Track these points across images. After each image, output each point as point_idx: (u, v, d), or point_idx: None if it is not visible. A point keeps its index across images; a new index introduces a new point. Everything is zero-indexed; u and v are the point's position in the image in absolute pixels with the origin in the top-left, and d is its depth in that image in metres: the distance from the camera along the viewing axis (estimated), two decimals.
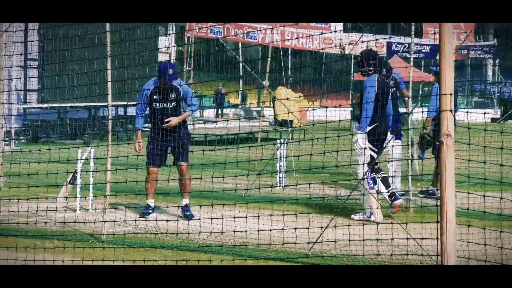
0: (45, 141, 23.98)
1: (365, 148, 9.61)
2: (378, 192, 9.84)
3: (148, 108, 10.19)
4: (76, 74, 18.98)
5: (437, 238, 3.47)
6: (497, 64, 37.65)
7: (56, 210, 8.86)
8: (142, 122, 10.28)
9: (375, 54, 10.43)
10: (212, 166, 9.83)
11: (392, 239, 5.13)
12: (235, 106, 39.45)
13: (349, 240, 5.49)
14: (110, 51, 8.94)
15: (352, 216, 10.01)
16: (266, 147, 13.95)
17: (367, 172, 9.48)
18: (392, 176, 11.09)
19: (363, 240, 5.33)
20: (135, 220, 8.34)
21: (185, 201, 10.07)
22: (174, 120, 9.97)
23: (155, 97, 10.07)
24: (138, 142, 10.14)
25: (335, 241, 5.63)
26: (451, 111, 3.36)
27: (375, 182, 9.88)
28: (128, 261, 6.93)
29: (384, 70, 12.38)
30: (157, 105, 10.06)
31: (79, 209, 10.39)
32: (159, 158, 10.08)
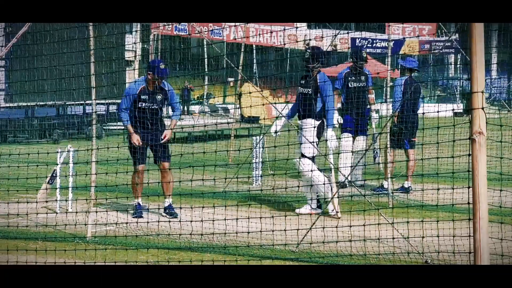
0: (12, 141, 23.58)
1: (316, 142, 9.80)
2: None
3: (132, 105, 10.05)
4: (46, 73, 18.71)
5: (469, 236, 3.50)
6: (459, 59, 38.18)
7: (37, 213, 8.74)
8: (128, 117, 10.07)
9: (323, 52, 10.54)
10: (196, 164, 9.72)
11: (423, 237, 5.15)
12: (224, 105, 38.83)
13: (378, 239, 5.49)
14: (93, 56, 8.84)
15: (297, 210, 10.02)
16: (242, 144, 13.88)
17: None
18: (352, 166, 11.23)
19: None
20: (127, 223, 8.24)
21: (169, 200, 10.04)
22: (168, 134, 10.06)
23: (142, 97, 9.99)
24: (134, 135, 9.93)
25: (364, 240, 5.61)
26: (482, 108, 3.38)
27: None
28: (120, 262, 6.86)
29: (357, 60, 12.53)
30: (143, 104, 9.99)
31: (59, 211, 10.26)
32: (144, 155, 10.08)
